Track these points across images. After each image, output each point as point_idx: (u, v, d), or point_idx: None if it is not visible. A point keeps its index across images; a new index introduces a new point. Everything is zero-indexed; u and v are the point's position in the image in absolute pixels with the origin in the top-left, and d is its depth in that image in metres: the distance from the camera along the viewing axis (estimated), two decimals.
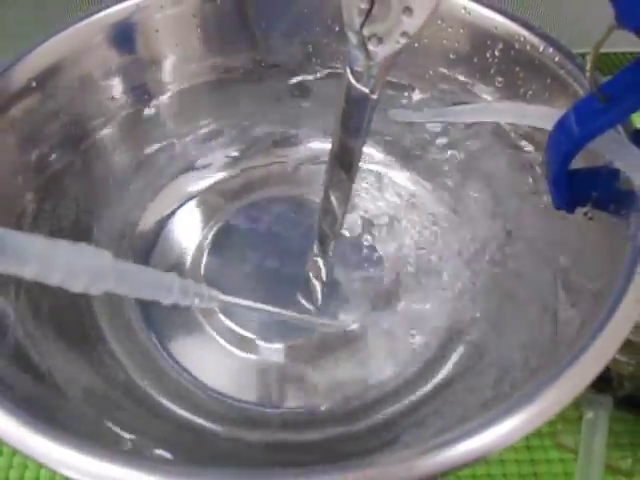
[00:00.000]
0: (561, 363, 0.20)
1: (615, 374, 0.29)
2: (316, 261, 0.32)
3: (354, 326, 0.32)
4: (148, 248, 0.36)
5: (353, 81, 0.22)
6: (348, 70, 0.22)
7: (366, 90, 0.21)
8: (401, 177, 0.38)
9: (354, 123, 0.23)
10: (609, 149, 0.24)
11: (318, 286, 0.32)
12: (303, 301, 0.32)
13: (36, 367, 0.25)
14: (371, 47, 0.20)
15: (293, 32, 0.37)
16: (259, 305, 0.28)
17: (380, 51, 0.20)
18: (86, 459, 0.18)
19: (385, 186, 0.38)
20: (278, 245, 0.36)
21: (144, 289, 0.22)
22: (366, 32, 0.20)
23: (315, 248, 0.31)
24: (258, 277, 0.34)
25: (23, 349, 0.26)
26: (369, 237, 0.36)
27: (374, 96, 0.22)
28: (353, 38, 0.20)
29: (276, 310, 0.29)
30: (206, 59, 0.36)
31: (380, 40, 0.20)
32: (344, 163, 0.25)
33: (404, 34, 0.19)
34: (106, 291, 0.20)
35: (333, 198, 0.27)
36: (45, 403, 0.24)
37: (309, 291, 0.32)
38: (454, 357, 0.30)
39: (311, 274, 0.32)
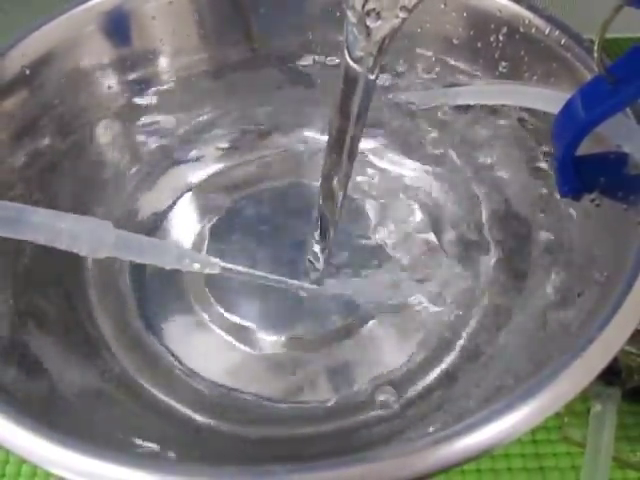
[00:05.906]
0: (567, 355, 0.19)
1: (624, 366, 0.29)
2: (316, 246, 0.31)
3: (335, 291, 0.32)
4: None
5: (350, 62, 0.21)
6: (345, 51, 0.21)
7: (364, 71, 0.21)
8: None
9: (352, 106, 0.22)
10: (617, 133, 0.23)
11: (317, 270, 0.32)
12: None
13: (32, 363, 0.25)
14: (370, 23, 0.19)
15: (292, 19, 0.36)
16: (251, 271, 0.29)
17: (379, 27, 0.19)
18: (80, 458, 0.18)
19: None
20: (278, 233, 0.35)
21: (144, 254, 0.24)
22: (365, 7, 0.19)
23: (315, 235, 0.30)
24: (259, 263, 0.34)
25: (19, 346, 0.25)
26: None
27: (372, 76, 0.21)
28: (351, 15, 0.20)
29: (264, 275, 0.30)
30: (203, 47, 0.36)
31: (379, 15, 0.19)
32: (343, 148, 0.24)
33: (403, 8, 0.19)
34: (109, 255, 0.23)
35: (333, 183, 0.26)
36: (39, 399, 0.23)
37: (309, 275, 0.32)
38: (456, 350, 0.30)
39: (311, 259, 0.32)
